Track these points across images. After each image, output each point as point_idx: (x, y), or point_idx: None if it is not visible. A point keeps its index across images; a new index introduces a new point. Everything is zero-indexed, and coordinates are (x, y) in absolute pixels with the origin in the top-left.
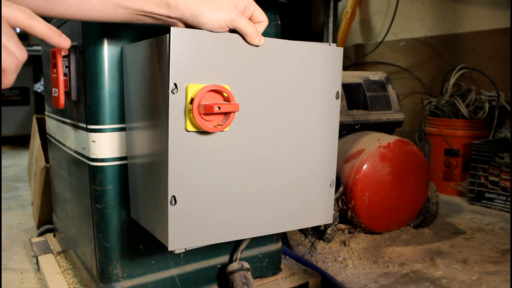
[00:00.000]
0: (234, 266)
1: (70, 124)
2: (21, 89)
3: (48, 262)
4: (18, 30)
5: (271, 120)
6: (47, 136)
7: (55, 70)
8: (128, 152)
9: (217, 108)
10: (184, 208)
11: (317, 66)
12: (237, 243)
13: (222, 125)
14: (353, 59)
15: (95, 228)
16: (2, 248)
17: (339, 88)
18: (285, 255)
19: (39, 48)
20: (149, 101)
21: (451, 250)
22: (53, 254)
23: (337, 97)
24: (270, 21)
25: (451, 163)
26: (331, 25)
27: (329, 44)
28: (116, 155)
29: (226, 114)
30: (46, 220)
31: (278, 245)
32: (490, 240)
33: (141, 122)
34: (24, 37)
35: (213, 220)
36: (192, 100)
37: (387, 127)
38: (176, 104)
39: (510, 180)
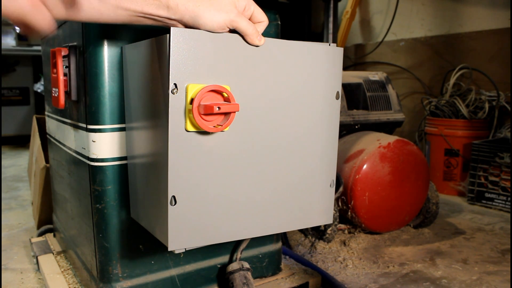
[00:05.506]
0: (234, 266)
1: (70, 124)
2: (21, 89)
3: (48, 262)
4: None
5: (271, 120)
6: (47, 136)
7: (55, 70)
8: (128, 152)
9: (217, 108)
10: (184, 208)
11: (317, 66)
12: (237, 243)
13: (222, 125)
14: (353, 59)
15: (95, 228)
16: (2, 248)
17: (339, 88)
18: (285, 255)
19: (39, 48)
20: (149, 101)
21: (451, 250)
22: (53, 254)
23: (337, 97)
24: (270, 21)
25: (451, 163)
26: (331, 25)
27: (329, 44)
28: (116, 155)
29: (226, 114)
30: (46, 220)
31: (278, 245)
32: (490, 240)
33: (141, 122)
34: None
35: (213, 220)
36: (192, 100)
37: (387, 127)
38: (176, 104)
39: (510, 180)
